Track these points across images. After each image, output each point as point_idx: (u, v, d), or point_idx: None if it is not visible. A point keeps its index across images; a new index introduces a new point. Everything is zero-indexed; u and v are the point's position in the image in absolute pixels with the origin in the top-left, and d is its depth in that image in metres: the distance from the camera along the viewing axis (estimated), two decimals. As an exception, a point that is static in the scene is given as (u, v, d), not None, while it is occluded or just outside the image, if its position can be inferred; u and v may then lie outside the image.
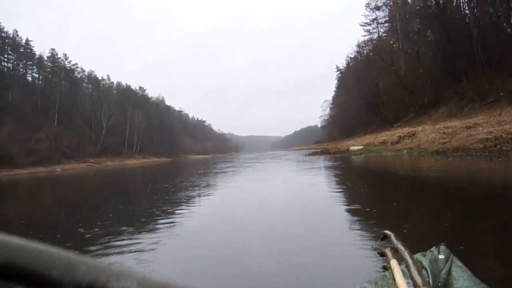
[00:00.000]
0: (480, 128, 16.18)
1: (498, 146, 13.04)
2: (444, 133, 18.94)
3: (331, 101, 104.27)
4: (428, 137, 20.36)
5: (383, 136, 29.21)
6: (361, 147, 27.28)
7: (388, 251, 2.68)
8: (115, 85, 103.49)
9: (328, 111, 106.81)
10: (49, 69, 77.38)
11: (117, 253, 4.09)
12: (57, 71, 78.44)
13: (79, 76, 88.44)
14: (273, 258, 3.65)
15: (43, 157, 56.88)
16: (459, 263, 2.44)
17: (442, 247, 2.67)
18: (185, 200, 8.50)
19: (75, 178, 28.32)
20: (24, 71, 74.41)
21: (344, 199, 7.26)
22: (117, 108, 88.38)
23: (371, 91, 57.96)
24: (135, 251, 4.10)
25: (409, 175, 10.96)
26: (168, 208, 7.47)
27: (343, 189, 9.03)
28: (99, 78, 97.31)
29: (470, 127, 17.48)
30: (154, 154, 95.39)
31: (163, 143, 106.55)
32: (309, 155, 34.80)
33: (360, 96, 62.99)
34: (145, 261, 3.74)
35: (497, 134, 13.75)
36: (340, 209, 6.11)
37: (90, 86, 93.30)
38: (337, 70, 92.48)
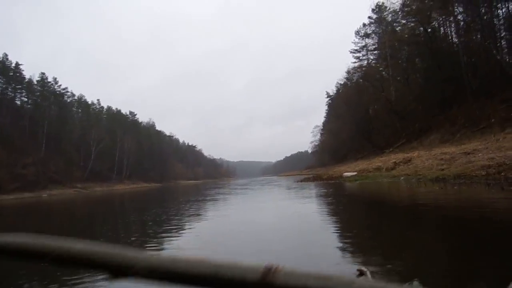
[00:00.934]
0: (480, 154, 15.81)
1: (502, 174, 12.62)
2: (441, 159, 18.53)
3: (322, 127, 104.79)
4: (425, 164, 19.89)
5: (377, 162, 28.63)
6: (355, 173, 26.73)
7: (365, 270, 2.56)
8: (105, 110, 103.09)
9: (318, 136, 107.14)
10: (38, 93, 76.89)
11: None
12: (47, 95, 77.94)
13: (68, 101, 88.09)
14: None
15: (30, 182, 55.63)
16: None
17: (415, 283, 2.44)
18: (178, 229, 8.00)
19: (59, 204, 27.49)
20: (13, 95, 73.79)
21: (338, 233, 6.84)
22: (107, 132, 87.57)
23: (361, 117, 58.22)
24: None
25: (410, 204, 10.53)
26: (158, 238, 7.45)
27: (338, 221, 8.57)
28: (89, 102, 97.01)
29: (468, 153, 17.14)
30: (144, 180, 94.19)
31: (153, 168, 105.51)
32: (301, 181, 34.27)
33: (350, 122, 63.24)
34: None
35: (500, 161, 13.34)
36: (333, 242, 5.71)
37: (79, 110, 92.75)
38: (327, 97, 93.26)
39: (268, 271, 0.38)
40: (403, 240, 5.73)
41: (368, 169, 26.96)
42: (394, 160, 25.35)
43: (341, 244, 5.69)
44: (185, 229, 8.62)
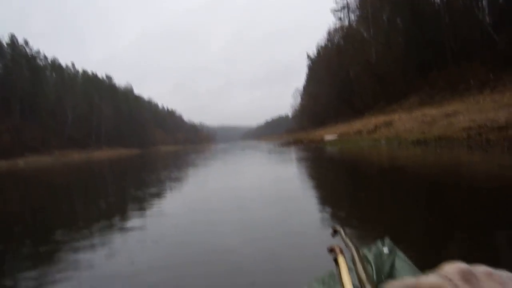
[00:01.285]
0: (461, 117, 15.77)
1: (483, 135, 12.62)
2: (422, 121, 18.50)
3: (302, 90, 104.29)
4: (405, 126, 19.87)
5: (358, 125, 28.55)
6: (336, 136, 26.73)
7: (336, 247, 2.50)
8: (80, 74, 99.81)
9: (299, 100, 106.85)
10: (9, 57, 73.56)
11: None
12: (18, 58, 74.60)
13: (42, 64, 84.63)
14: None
15: (5, 150, 54.16)
16: (402, 255, 2.08)
17: (387, 240, 2.25)
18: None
19: (36, 172, 26.83)
20: (-19, 59, 70.50)
21: (318, 196, 6.71)
22: (83, 98, 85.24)
23: (342, 80, 57.92)
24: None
25: (389, 168, 10.49)
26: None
27: (316, 185, 8.46)
28: (64, 66, 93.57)
29: (449, 115, 17.11)
30: (123, 146, 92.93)
31: (132, 134, 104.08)
32: (281, 145, 34.30)
33: (330, 85, 62.95)
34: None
35: (480, 123, 13.30)
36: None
37: (53, 74, 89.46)
38: (308, 59, 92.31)
39: None
40: (378, 203, 5.68)
41: (349, 132, 26.94)
42: (374, 123, 25.29)
43: (318, 206, 5.87)
44: (166, 196, 8.44)
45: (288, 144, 34.92)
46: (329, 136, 28.19)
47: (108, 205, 7.92)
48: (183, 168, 17.15)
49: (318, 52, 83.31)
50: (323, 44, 76.40)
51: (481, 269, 0.33)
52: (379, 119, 26.93)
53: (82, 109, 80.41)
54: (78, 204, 8.91)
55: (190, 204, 7.16)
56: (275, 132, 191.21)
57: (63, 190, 12.72)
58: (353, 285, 1.98)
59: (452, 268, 0.33)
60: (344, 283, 1.93)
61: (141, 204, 7.44)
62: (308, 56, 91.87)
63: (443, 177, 7.82)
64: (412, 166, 10.07)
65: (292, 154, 20.64)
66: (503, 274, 0.32)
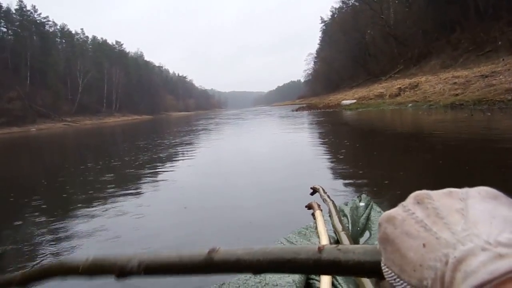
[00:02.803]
0: (501, 77, 14.62)
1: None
2: (455, 83, 17.26)
3: (315, 55, 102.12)
4: (435, 89, 18.55)
5: (379, 88, 27.12)
6: (354, 101, 25.58)
7: (314, 204, 2.83)
8: (90, 40, 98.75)
9: (312, 65, 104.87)
10: (18, 23, 72.55)
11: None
12: (27, 25, 73.60)
13: (51, 31, 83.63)
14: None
15: (17, 117, 54.30)
16: (378, 209, 2.81)
17: (364, 195, 3.08)
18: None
19: (51, 138, 26.53)
20: (-9, 25, 69.67)
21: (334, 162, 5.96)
22: (93, 64, 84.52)
23: (357, 44, 56.22)
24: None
25: (419, 133, 9.31)
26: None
27: (336, 152, 7.69)
28: (73, 32, 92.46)
29: (486, 76, 15.92)
30: (134, 112, 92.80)
31: (143, 100, 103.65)
32: (296, 110, 33.33)
33: (345, 49, 61.25)
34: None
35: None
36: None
37: (63, 41, 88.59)
38: (322, 22, 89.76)
39: (212, 251, 0.48)
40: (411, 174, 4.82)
41: (368, 96, 25.64)
42: (398, 86, 23.73)
43: (332, 172, 5.34)
44: (184, 159, 8.15)
45: (302, 109, 33.89)
46: (347, 100, 27.06)
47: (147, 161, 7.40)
48: (196, 133, 16.55)
49: (333, 15, 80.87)
50: (337, 7, 73.88)
51: (442, 191, 0.33)
52: (404, 81, 25.35)
53: (92, 75, 79.75)
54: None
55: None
56: (287, 98, 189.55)
57: (102, 148, 13.06)
58: (329, 236, 2.21)
59: (410, 196, 0.34)
60: (319, 233, 2.28)
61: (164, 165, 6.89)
62: (322, 19, 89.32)
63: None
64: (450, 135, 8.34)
65: (309, 119, 19.72)
66: (465, 190, 0.32)
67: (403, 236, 0.31)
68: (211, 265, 0.47)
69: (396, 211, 0.33)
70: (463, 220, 0.29)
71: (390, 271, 0.31)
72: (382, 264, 0.33)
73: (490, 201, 0.29)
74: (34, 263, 2.74)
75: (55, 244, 3.13)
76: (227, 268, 0.47)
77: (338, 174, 5.04)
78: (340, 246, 0.39)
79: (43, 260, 2.80)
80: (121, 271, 0.54)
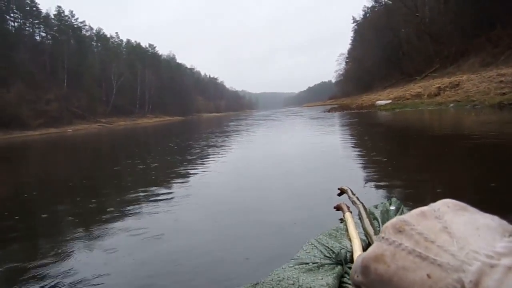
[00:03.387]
0: None
1: None
2: (501, 81, 16.37)
3: (347, 55, 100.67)
4: (478, 87, 17.59)
5: (415, 88, 26.09)
6: (389, 101, 24.78)
7: (343, 205, 2.76)
8: (124, 43, 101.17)
9: (343, 65, 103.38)
10: (56, 28, 75.13)
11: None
12: (64, 29, 76.20)
13: (87, 35, 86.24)
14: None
15: (54, 118, 56.03)
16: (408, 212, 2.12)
17: (394, 199, 2.98)
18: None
19: (88, 137, 27.13)
20: (31, 30, 72.39)
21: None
22: (127, 66, 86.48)
23: (390, 42, 54.95)
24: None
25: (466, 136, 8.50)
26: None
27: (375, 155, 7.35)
28: (108, 36, 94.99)
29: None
30: (166, 113, 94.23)
31: (175, 101, 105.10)
32: (328, 111, 32.76)
33: (378, 48, 59.99)
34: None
35: None
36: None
37: (99, 44, 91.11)
38: (354, 22, 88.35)
39: None
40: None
41: (404, 96, 24.62)
42: (437, 85, 22.60)
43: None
44: (215, 159, 8.09)
45: (334, 110, 33.27)
46: (382, 100, 26.25)
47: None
48: (228, 134, 16.46)
49: (365, 14, 79.53)
50: (369, 6, 72.56)
51: (413, 212, 0.31)
52: (443, 80, 24.06)
53: (126, 77, 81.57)
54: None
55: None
56: (317, 99, 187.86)
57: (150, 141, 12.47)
58: (360, 239, 2.15)
59: (387, 226, 0.32)
60: (351, 236, 2.22)
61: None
62: (354, 19, 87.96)
63: None
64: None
65: (343, 120, 19.04)
66: (435, 206, 0.31)
67: (400, 272, 0.28)
68: None
69: (381, 247, 0.31)
70: (452, 239, 0.27)
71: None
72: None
73: (463, 213, 0.28)
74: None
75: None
76: None
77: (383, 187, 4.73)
78: None
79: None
80: None
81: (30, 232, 3.66)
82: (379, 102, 25.89)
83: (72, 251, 2.88)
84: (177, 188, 5.03)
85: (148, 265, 2.50)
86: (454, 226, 0.28)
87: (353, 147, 8.20)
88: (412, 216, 0.30)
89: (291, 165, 6.29)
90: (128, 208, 4.06)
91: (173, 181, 5.65)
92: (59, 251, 2.92)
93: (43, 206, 4.91)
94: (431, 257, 0.27)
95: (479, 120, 11.45)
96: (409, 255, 0.28)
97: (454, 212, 0.29)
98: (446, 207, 0.29)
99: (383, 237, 0.31)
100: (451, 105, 17.93)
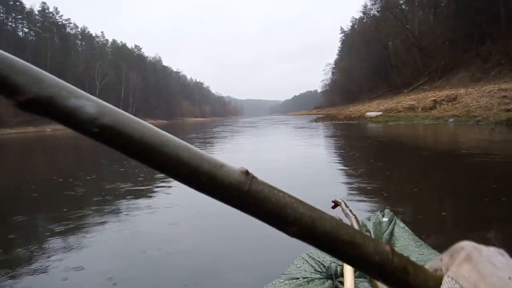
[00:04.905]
0: None
1: None
2: (504, 96, 15.76)
3: (333, 65, 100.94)
4: (479, 102, 16.95)
5: (408, 100, 25.33)
6: (380, 113, 24.15)
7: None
8: (110, 43, 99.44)
9: (330, 75, 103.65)
10: (39, 24, 73.25)
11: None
12: (48, 26, 74.33)
13: (72, 33, 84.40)
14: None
15: (33, 117, 54.04)
16: (401, 224, 2.77)
17: (386, 211, 3.04)
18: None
19: (66, 139, 25.98)
20: (14, 25, 70.46)
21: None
22: (112, 67, 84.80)
23: (379, 54, 55.00)
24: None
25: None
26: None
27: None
28: (93, 35, 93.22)
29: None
30: (150, 116, 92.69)
31: (159, 105, 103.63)
32: (314, 121, 32.10)
33: (366, 59, 60.07)
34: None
35: None
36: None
37: (83, 43, 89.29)
38: (341, 32, 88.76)
39: (247, 174, 0.32)
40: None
41: (397, 108, 23.79)
42: (433, 98, 21.71)
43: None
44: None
45: (322, 120, 32.57)
46: (372, 112, 25.56)
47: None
48: (214, 139, 15.67)
49: (353, 26, 79.80)
50: (358, 17, 72.82)
51: (491, 249, 0.33)
52: (439, 93, 23.06)
53: (110, 78, 79.93)
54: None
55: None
56: (303, 108, 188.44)
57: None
58: None
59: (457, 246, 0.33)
60: None
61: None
62: (342, 30, 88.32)
63: None
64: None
65: (334, 132, 17.82)
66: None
67: (487, 263, 0.31)
68: (238, 192, 0.32)
69: (481, 247, 0.33)
70: None
71: (458, 286, 0.30)
72: (447, 277, 0.31)
73: None
74: None
75: None
76: (263, 209, 0.33)
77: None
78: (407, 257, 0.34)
79: None
80: (48, 101, 0.29)
81: None
82: (369, 114, 25.23)
83: None
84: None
85: None
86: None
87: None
88: (492, 252, 0.34)
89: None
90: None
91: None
92: None
93: None
94: None
95: (498, 139, 10.19)
96: (501, 263, 0.32)
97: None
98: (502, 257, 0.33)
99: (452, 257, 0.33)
100: (451, 119, 17.24)
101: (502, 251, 0.34)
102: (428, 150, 9.44)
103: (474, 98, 18.14)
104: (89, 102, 0.30)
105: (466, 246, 0.32)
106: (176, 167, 0.31)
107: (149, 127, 0.32)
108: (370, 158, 8.43)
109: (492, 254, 0.32)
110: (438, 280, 0.32)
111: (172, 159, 0.31)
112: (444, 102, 20.43)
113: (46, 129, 51.08)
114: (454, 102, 19.53)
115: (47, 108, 0.29)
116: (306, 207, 0.33)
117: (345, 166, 7.30)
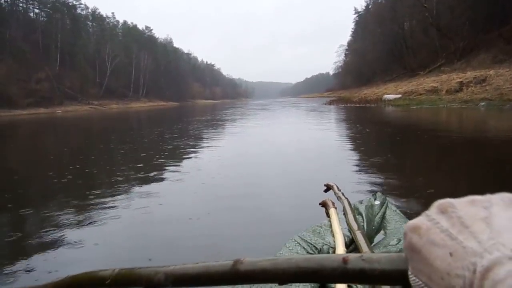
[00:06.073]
0: None
1: None
2: None
3: (347, 47, 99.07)
4: None
5: (430, 82, 24.14)
6: (399, 95, 23.22)
7: (328, 201, 2.72)
8: (120, 24, 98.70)
9: (342, 57, 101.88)
10: (50, 5, 72.68)
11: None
12: (59, 7, 73.73)
13: (82, 13, 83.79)
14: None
15: (44, 98, 54.14)
16: (393, 207, 2.74)
17: (379, 194, 2.97)
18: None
19: (79, 121, 25.72)
20: (25, 6, 70.04)
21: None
22: (122, 48, 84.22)
23: (394, 35, 53.58)
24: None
25: None
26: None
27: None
28: (104, 16, 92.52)
29: None
30: (160, 98, 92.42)
31: (170, 87, 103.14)
32: (328, 104, 31.34)
33: (380, 41, 58.63)
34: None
35: None
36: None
37: (94, 24, 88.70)
38: (355, 13, 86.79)
39: (237, 262, 0.47)
40: None
41: (417, 91, 22.47)
42: (458, 80, 20.39)
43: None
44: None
45: (335, 102, 31.76)
46: (390, 95, 24.58)
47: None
48: (226, 122, 15.24)
49: (367, 5, 77.91)
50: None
51: (464, 199, 0.33)
52: (464, 75, 21.94)
53: (121, 60, 79.42)
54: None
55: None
56: (314, 90, 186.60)
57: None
58: (344, 235, 2.14)
59: (434, 204, 0.34)
60: (334, 231, 2.22)
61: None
62: (356, 10, 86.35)
63: None
64: None
65: (354, 118, 16.36)
66: (490, 197, 0.32)
67: (429, 245, 0.31)
68: (237, 276, 0.48)
69: (421, 221, 0.33)
70: (488, 229, 0.28)
71: (417, 280, 0.31)
72: (409, 273, 0.32)
73: None
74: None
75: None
76: (253, 278, 0.48)
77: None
78: (364, 256, 0.39)
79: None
80: (148, 283, 0.54)
81: None
82: (387, 96, 24.22)
83: None
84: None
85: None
86: (496, 218, 0.29)
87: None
88: (461, 201, 0.32)
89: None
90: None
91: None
92: None
93: None
94: (459, 239, 0.29)
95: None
96: (442, 233, 0.30)
97: (505, 206, 0.30)
98: (500, 199, 0.31)
99: (426, 214, 0.33)
100: (482, 103, 16.14)
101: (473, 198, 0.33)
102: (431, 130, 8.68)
103: (507, 80, 16.98)
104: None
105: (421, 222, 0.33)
106: (200, 280, 0.51)
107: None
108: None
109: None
110: (399, 272, 0.34)
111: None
112: (471, 84, 19.28)
113: (57, 110, 51.08)
114: (484, 84, 18.40)
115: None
116: (278, 263, 0.46)
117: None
